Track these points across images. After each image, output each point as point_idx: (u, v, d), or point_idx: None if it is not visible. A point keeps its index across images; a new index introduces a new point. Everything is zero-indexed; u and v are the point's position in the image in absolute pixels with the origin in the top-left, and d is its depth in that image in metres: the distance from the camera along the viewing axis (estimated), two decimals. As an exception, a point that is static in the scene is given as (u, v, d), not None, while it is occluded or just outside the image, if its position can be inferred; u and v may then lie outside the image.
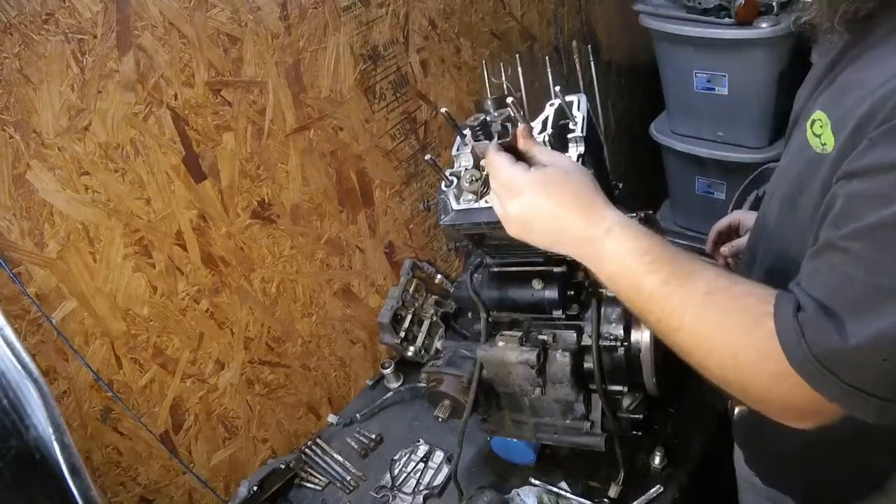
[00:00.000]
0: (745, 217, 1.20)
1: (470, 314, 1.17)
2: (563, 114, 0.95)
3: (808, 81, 0.85)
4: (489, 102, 0.94)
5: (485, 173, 0.90)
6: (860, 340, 0.56)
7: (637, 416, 1.10)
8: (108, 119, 1.04)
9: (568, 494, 1.23)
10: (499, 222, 0.80)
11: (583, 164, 0.89)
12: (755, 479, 1.06)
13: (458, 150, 0.98)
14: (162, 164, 1.13)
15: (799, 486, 0.99)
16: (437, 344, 1.20)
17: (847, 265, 0.59)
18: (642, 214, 1.12)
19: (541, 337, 1.05)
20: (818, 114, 0.71)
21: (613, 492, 1.18)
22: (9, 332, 0.67)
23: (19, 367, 0.66)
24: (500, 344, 1.05)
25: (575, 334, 1.05)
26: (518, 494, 1.24)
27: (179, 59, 1.12)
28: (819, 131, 0.70)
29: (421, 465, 1.38)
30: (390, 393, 1.53)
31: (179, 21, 1.10)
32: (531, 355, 1.01)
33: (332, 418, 1.54)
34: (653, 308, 0.68)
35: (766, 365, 0.61)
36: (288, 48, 1.29)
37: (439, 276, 1.71)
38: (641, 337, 1.04)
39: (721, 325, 0.65)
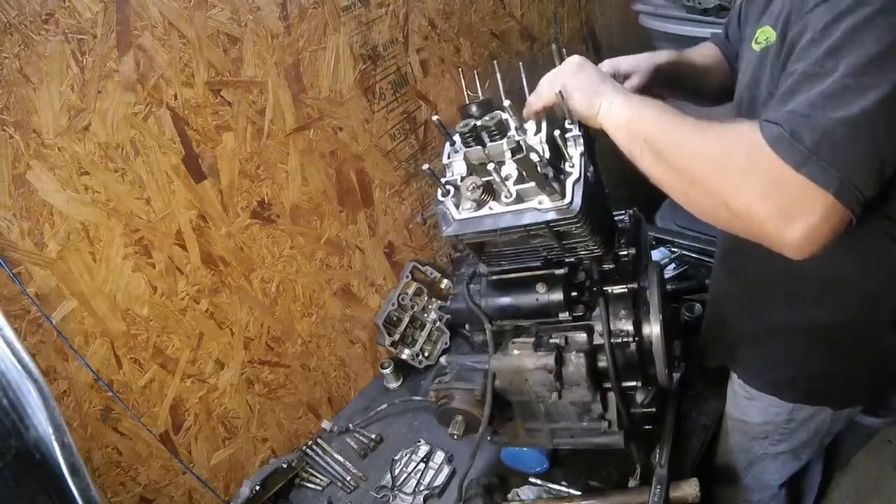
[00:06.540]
0: (622, 61, 1.18)
1: (467, 326, 1.16)
2: (556, 115, 0.95)
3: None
4: (474, 108, 0.93)
5: (485, 179, 0.90)
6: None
7: (650, 409, 1.10)
8: (107, 119, 1.04)
9: (571, 491, 1.23)
10: (504, 228, 0.88)
11: (585, 163, 0.89)
12: (749, 395, 1.19)
13: (448, 157, 0.97)
14: (162, 164, 1.13)
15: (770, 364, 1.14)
16: (442, 360, 1.18)
17: (800, 79, 0.73)
18: (631, 212, 1.15)
19: (553, 341, 1.04)
20: (763, 29, 0.89)
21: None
22: (9, 332, 0.67)
23: (19, 367, 0.66)
24: (515, 352, 1.04)
25: (585, 335, 1.05)
26: (518, 494, 1.24)
27: (179, 59, 1.12)
28: (762, 38, 0.89)
29: (421, 466, 1.38)
30: (384, 405, 1.52)
31: (179, 21, 1.10)
32: (549, 360, 1.00)
33: (325, 424, 1.53)
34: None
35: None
36: (288, 48, 1.29)
37: (446, 280, 1.70)
38: (652, 330, 1.04)
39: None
